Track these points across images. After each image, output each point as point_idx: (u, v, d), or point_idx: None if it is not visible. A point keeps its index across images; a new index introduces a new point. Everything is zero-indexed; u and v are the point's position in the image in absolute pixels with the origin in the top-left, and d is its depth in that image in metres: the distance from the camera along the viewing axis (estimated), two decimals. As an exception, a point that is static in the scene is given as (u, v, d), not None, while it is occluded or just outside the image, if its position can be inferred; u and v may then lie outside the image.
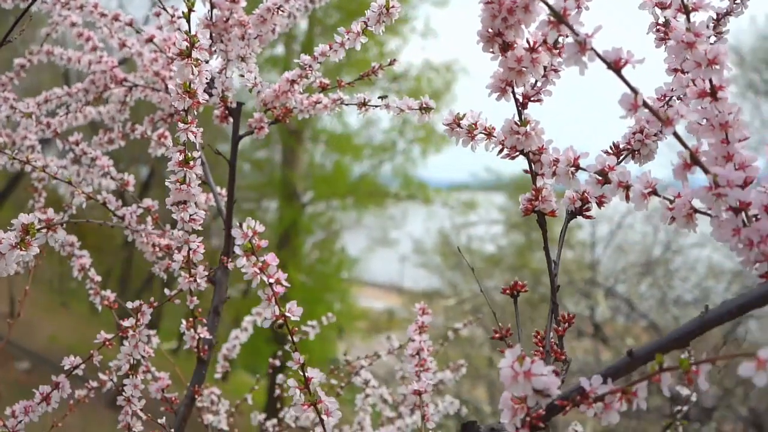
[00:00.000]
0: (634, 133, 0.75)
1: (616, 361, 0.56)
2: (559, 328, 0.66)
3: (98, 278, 1.15)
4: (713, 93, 0.59)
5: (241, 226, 0.66)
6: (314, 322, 1.52)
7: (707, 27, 0.78)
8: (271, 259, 0.68)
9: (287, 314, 0.68)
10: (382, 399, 1.49)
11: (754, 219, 0.56)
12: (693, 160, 0.56)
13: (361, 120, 11.31)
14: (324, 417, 0.70)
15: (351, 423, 1.42)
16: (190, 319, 1.03)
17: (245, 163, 11.41)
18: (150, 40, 1.03)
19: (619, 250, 7.32)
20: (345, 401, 1.73)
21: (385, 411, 1.49)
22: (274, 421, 1.42)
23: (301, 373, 0.70)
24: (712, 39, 0.78)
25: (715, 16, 0.79)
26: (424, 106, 0.90)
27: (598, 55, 0.55)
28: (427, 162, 11.39)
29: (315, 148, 11.74)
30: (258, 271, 0.67)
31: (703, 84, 0.59)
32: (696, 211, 0.59)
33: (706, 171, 0.56)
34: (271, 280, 0.67)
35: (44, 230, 0.75)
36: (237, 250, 0.67)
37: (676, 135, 0.55)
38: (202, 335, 1.04)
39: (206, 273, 0.98)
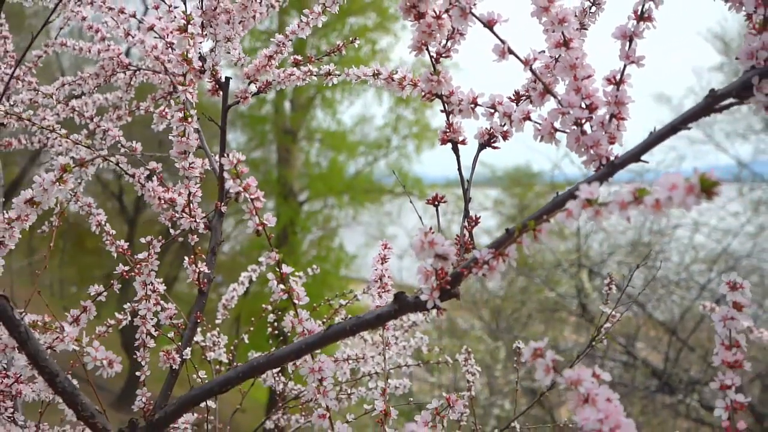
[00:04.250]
0: (530, 82, 0.97)
1: (498, 237, 0.78)
2: (468, 226, 0.89)
3: (113, 231, 1.36)
4: (566, 43, 0.81)
5: (228, 155, 0.88)
6: (300, 273, 1.75)
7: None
8: (252, 181, 0.90)
9: (265, 222, 0.90)
10: (362, 339, 1.71)
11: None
12: (546, 90, 0.78)
13: (355, 118, 11.51)
14: (296, 302, 0.92)
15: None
16: (192, 256, 1.25)
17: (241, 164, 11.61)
18: (151, 28, 1.25)
19: (607, 234, 7.54)
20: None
21: (365, 349, 1.71)
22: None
23: (278, 269, 0.92)
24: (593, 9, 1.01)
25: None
26: (375, 72, 1.12)
27: (476, 17, 0.77)
28: (421, 158, 11.62)
29: (310, 146, 11.96)
30: (242, 190, 0.89)
31: (559, 37, 0.81)
32: (556, 130, 0.82)
33: (555, 97, 0.78)
34: (253, 197, 0.89)
35: (78, 167, 0.97)
36: (226, 181, 0.89)
37: (532, 71, 0.77)
38: (202, 270, 1.26)
39: (204, 215, 1.21)
